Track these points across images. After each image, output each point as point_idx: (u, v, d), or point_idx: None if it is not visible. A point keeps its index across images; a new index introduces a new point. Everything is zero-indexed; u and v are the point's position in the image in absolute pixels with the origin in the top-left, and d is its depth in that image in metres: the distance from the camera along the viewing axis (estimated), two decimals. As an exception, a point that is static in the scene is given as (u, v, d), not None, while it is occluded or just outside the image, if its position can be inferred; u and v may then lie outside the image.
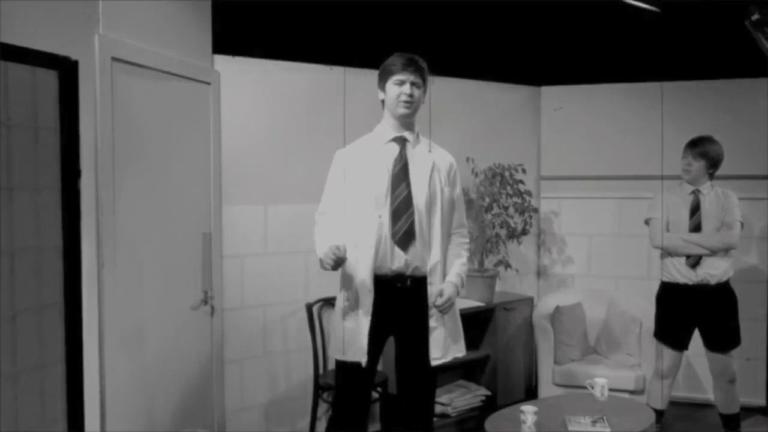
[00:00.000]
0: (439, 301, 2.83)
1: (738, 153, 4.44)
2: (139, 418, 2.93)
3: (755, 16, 2.74)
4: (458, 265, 2.97)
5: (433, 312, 2.87)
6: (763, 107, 4.63)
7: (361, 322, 2.84)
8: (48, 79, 2.23)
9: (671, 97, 4.81)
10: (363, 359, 2.84)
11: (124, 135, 2.78)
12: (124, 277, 2.78)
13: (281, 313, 4.07)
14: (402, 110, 2.85)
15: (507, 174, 4.71)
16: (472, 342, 4.80)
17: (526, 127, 5.29)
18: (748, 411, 4.54)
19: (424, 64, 2.88)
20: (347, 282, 2.89)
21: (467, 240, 3.08)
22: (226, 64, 3.77)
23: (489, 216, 4.69)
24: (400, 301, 2.87)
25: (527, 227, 4.78)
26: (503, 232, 4.72)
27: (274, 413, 4.06)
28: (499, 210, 4.71)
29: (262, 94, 3.98)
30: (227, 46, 3.76)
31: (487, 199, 4.70)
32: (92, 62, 2.57)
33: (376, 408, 4.22)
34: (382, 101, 2.92)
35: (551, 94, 5.30)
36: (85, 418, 2.41)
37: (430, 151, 2.96)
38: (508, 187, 4.70)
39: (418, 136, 2.96)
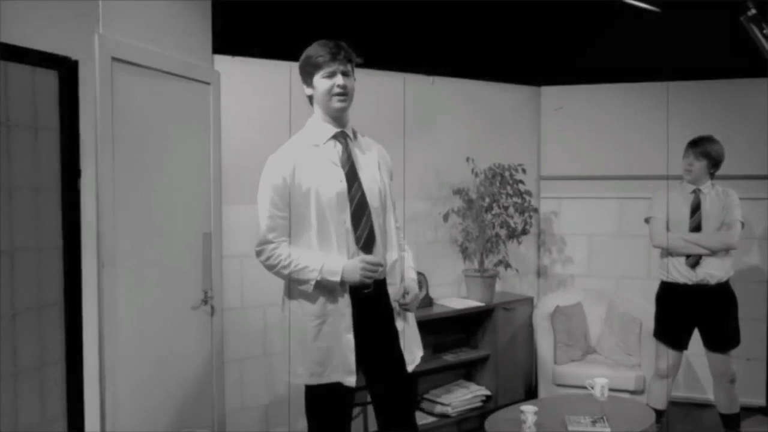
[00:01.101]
0: (408, 299, 2.67)
1: (738, 153, 4.45)
2: (139, 417, 2.93)
3: (751, 12, 2.73)
4: (410, 259, 2.81)
5: (398, 313, 2.66)
6: (763, 107, 4.63)
7: (343, 340, 2.57)
8: (48, 79, 2.23)
9: (671, 97, 4.81)
10: (352, 379, 2.58)
11: (124, 135, 2.78)
12: (124, 277, 2.78)
13: (281, 314, 4.06)
14: (337, 104, 2.58)
15: (507, 174, 4.71)
16: (472, 342, 4.83)
17: (526, 127, 5.29)
18: (748, 411, 4.54)
19: (350, 50, 2.63)
20: (314, 299, 2.60)
21: (402, 235, 2.90)
22: (226, 64, 3.77)
23: (489, 216, 4.69)
24: (370, 308, 2.62)
25: (527, 227, 4.78)
26: (503, 232, 4.72)
27: (274, 413, 4.06)
28: (499, 210, 4.71)
29: (262, 94, 3.98)
30: (227, 46, 3.76)
31: (487, 199, 4.70)
32: (92, 62, 2.57)
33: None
34: (309, 97, 2.67)
35: (551, 94, 5.30)
36: (85, 418, 2.41)
37: (368, 145, 2.75)
38: (508, 187, 4.70)
39: (353, 130, 2.72)
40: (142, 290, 2.95)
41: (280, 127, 4.03)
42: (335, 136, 2.64)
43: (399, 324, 2.67)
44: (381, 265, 2.56)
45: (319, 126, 2.66)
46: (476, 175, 4.74)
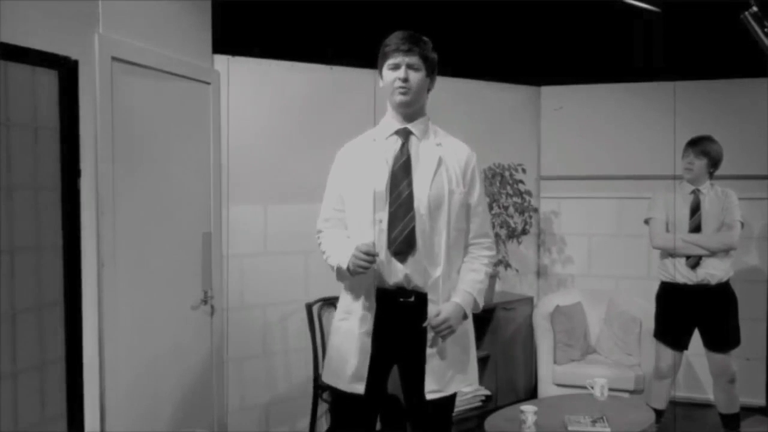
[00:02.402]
0: (435, 321, 2.34)
1: (738, 153, 4.45)
2: (139, 417, 2.93)
3: (753, 9, 2.72)
4: (470, 281, 2.46)
5: (431, 336, 2.40)
6: (763, 107, 4.63)
7: (360, 345, 2.41)
8: (48, 79, 2.23)
9: (671, 97, 4.81)
10: (360, 387, 2.40)
11: (124, 135, 2.78)
12: (124, 277, 2.78)
13: (281, 313, 4.07)
14: (398, 98, 2.43)
15: (507, 174, 4.71)
16: (472, 342, 4.82)
17: (526, 127, 5.29)
18: (748, 411, 4.54)
19: (424, 42, 2.47)
20: (345, 294, 2.51)
21: (490, 253, 2.55)
22: (226, 64, 3.78)
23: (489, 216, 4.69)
24: (401, 320, 2.42)
25: (527, 227, 4.78)
26: (503, 232, 4.72)
27: (274, 413, 4.06)
28: (499, 210, 4.71)
29: (262, 94, 3.98)
30: (227, 46, 3.76)
31: (487, 199, 4.69)
32: (92, 62, 2.57)
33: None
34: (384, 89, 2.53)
35: (551, 94, 5.30)
36: (85, 418, 2.41)
37: (439, 144, 2.53)
38: (508, 187, 4.70)
39: (428, 127, 2.56)
40: (142, 290, 2.95)
41: (279, 127, 4.05)
42: (397, 132, 2.49)
43: (429, 348, 2.40)
44: (374, 255, 2.31)
45: (386, 121, 2.54)
46: (476, 175, 4.73)
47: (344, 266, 2.37)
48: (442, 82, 4.93)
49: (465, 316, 2.44)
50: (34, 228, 2.18)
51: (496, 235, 4.71)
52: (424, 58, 2.46)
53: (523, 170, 4.79)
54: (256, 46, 3.91)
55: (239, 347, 3.89)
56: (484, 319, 4.69)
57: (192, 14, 3.46)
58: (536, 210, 5.05)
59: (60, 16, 2.39)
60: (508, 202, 4.72)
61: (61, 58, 2.27)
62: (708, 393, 4.54)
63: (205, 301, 3.47)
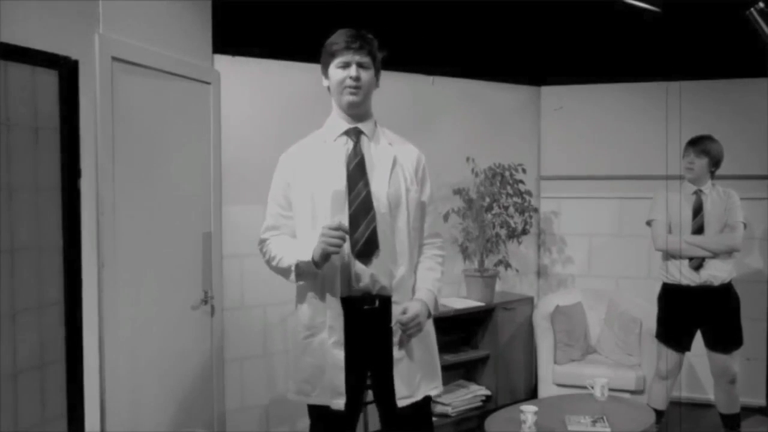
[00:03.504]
0: (404, 318, 2.29)
1: (738, 153, 4.45)
2: (139, 417, 2.93)
3: (759, 5, 2.69)
4: (430, 280, 2.45)
5: (397, 338, 2.35)
6: (763, 107, 4.63)
7: (331, 357, 2.34)
8: (48, 79, 2.23)
9: (671, 97, 4.81)
10: (340, 402, 2.34)
11: (124, 135, 2.78)
12: (124, 277, 2.78)
13: (281, 313, 4.06)
14: (348, 98, 2.36)
15: (507, 174, 4.71)
16: (472, 342, 4.82)
17: (526, 127, 5.29)
18: (748, 411, 4.54)
19: (372, 40, 2.41)
20: (305, 309, 2.42)
21: (442, 252, 2.56)
22: (226, 64, 3.77)
23: (489, 216, 4.69)
24: (368, 326, 2.36)
25: (527, 227, 4.78)
26: (503, 232, 4.72)
27: (274, 413, 4.06)
28: (499, 210, 4.71)
29: (262, 94, 3.98)
30: (227, 46, 3.76)
31: (487, 199, 4.70)
32: (92, 62, 2.57)
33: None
34: (328, 88, 2.46)
35: (551, 94, 5.30)
36: (85, 418, 2.41)
37: (390, 144, 2.47)
38: (508, 187, 4.70)
39: (376, 126, 2.48)
40: (142, 290, 2.95)
41: (279, 127, 4.05)
42: (347, 133, 2.43)
43: (397, 351, 2.36)
44: (345, 231, 2.24)
45: (333, 122, 2.47)
46: (476, 174, 4.74)
47: (308, 258, 2.27)
48: (443, 82, 4.96)
49: (429, 315, 2.42)
50: (34, 228, 2.17)
51: (496, 236, 4.71)
52: (373, 57, 2.40)
53: (523, 170, 4.79)
54: (256, 46, 3.91)
55: (239, 347, 3.89)
56: (484, 319, 4.70)
57: (192, 14, 3.46)
58: (536, 210, 5.05)
59: (60, 16, 2.39)
60: (508, 202, 4.72)
61: (61, 58, 2.27)
62: (708, 393, 4.54)
63: (205, 301, 3.47)
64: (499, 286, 4.90)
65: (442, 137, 4.76)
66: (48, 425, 2.21)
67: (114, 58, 2.70)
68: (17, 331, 2.09)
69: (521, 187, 4.73)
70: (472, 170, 4.74)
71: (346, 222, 2.31)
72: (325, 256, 2.27)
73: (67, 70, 2.29)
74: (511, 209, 4.73)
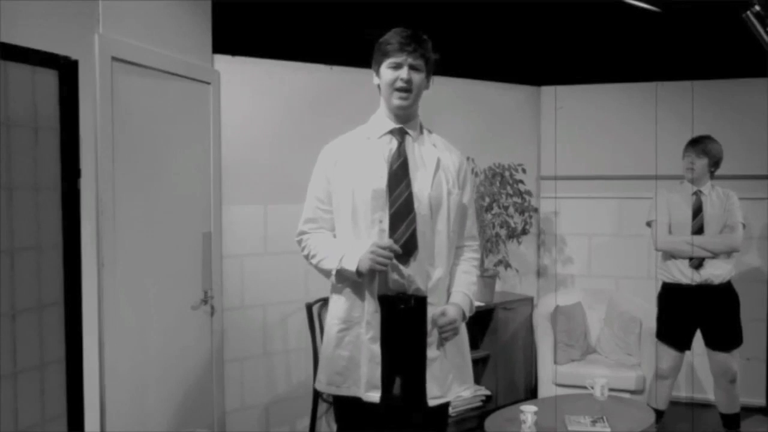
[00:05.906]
0: (442, 321, 2.30)
1: (738, 153, 4.45)
2: (139, 417, 2.93)
3: (755, 8, 2.71)
4: (466, 284, 2.47)
5: (432, 339, 2.36)
6: (763, 107, 4.63)
7: (367, 350, 2.34)
8: (48, 79, 2.23)
9: (671, 97, 4.82)
10: (375, 395, 2.33)
11: (124, 135, 2.78)
12: (124, 277, 2.78)
13: (281, 313, 4.06)
14: (397, 101, 2.35)
15: (507, 174, 4.71)
16: (472, 342, 4.79)
17: (526, 127, 5.29)
18: (748, 411, 4.54)
19: (426, 42, 2.39)
20: (342, 302, 2.41)
21: (478, 256, 2.58)
22: (226, 64, 3.77)
23: (489, 216, 4.69)
24: (403, 325, 2.36)
25: (527, 227, 4.78)
26: (503, 232, 4.73)
27: (274, 413, 4.06)
28: (499, 210, 4.71)
29: (262, 94, 3.98)
30: (227, 46, 3.76)
31: (487, 199, 4.70)
32: (92, 62, 2.57)
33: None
34: (378, 86, 2.44)
35: (551, 94, 5.30)
36: (85, 418, 2.41)
37: (434, 145, 2.48)
38: (508, 187, 4.70)
39: (421, 128, 2.49)
40: (142, 290, 2.95)
41: (279, 127, 4.05)
42: (392, 132, 2.41)
43: (432, 351, 2.36)
44: (395, 251, 2.24)
45: (379, 119, 2.44)
46: (476, 175, 4.74)
47: (352, 268, 2.28)
48: (443, 82, 4.95)
49: (464, 318, 2.43)
50: (34, 228, 2.17)
51: (496, 235, 4.71)
52: (426, 60, 2.39)
53: (523, 170, 4.79)
54: (256, 46, 3.91)
55: (239, 347, 3.89)
56: (484, 319, 4.69)
57: (192, 14, 3.46)
58: (536, 210, 5.05)
59: (60, 16, 2.39)
60: (508, 202, 4.72)
61: (61, 58, 2.27)
62: (708, 393, 4.54)
63: (205, 301, 3.47)
64: (499, 286, 4.90)
65: (442, 137, 4.75)
66: (48, 425, 2.21)
67: (114, 58, 2.70)
68: (17, 331, 2.09)
69: (521, 187, 4.73)
70: (472, 170, 4.73)
71: (386, 221, 2.31)
72: (371, 272, 2.28)
73: (67, 70, 2.29)
74: (511, 209, 4.73)
